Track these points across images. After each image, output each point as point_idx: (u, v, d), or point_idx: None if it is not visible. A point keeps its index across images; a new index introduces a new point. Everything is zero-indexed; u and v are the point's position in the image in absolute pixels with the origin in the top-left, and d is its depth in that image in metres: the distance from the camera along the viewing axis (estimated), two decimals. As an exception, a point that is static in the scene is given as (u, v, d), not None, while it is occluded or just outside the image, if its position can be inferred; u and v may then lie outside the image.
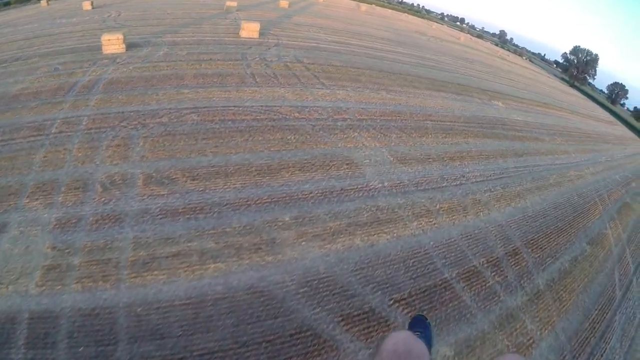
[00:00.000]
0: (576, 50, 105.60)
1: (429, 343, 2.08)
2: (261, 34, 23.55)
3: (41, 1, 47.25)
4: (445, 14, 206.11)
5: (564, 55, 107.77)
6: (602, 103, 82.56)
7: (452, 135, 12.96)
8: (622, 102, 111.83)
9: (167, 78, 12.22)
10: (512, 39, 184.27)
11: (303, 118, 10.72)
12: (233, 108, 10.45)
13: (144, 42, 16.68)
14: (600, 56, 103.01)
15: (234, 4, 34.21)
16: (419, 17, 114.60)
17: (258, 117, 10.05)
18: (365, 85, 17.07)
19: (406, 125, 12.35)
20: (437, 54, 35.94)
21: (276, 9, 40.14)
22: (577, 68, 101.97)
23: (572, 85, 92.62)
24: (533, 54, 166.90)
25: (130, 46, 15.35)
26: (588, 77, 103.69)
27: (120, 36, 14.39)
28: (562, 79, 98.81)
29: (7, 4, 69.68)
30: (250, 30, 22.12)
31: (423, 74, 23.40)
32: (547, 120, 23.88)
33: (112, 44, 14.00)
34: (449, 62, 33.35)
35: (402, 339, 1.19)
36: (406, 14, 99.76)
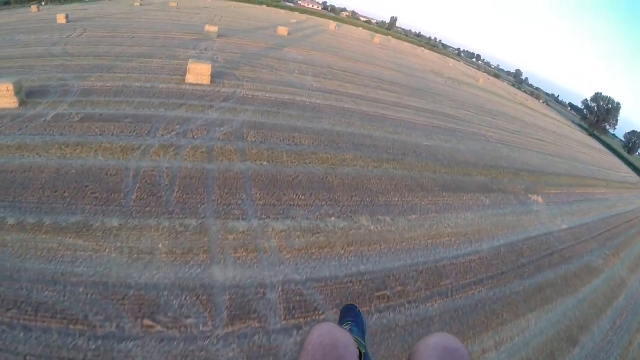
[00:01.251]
0: (597, 98, 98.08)
1: (361, 331, 1.91)
2: (219, 76, 16.86)
3: (31, 7, 42.30)
4: (461, 49, 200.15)
5: (585, 102, 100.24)
6: (617, 151, 76.40)
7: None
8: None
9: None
10: (527, 78, 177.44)
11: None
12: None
13: (50, 89, 13.57)
14: (620, 103, 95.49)
15: (214, 29, 27.67)
16: (435, 51, 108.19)
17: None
18: (342, 203, 10.30)
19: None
20: (454, 105, 29.19)
21: (268, 37, 33.64)
22: (598, 116, 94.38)
23: (592, 134, 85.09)
24: (547, 94, 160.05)
25: (30, 94, 12.59)
26: (608, 127, 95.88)
27: (10, 86, 11.25)
28: (580, 125, 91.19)
29: (6, 3, 65.75)
30: (198, 73, 15.41)
31: (438, 150, 16.46)
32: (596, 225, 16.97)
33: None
34: (469, 118, 26.44)
35: (326, 330, 1.09)
36: (422, 48, 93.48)
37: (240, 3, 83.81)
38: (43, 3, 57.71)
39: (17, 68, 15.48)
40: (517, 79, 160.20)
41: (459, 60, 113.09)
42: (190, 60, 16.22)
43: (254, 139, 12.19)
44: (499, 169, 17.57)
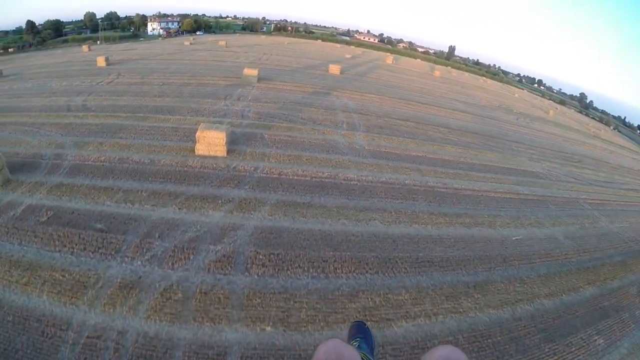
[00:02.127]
0: None
1: (370, 348, 1.89)
2: (242, 141, 13.29)
3: (83, 46, 42.23)
4: (521, 75, 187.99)
5: None
6: None
7: None
8: None
9: None
10: (592, 101, 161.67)
11: None
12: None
13: (42, 161, 11.72)
14: None
15: (254, 72, 24.22)
16: (497, 80, 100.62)
17: None
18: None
19: None
20: (536, 155, 23.89)
21: (317, 79, 29.91)
22: None
23: None
24: (614, 117, 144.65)
25: (20, 168, 10.85)
26: None
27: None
28: None
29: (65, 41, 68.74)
30: (210, 143, 11.54)
31: (531, 248, 11.60)
32: None
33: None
34: (555, 173, 21.04)
35: (332, 347, 1.09)
36: (484, 78, 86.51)
37: (296, 39, 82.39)
38: (98, 42, 59.02)
39: (27, 127, 14.71)
40: (582, 104, 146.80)
41: (522, 89, 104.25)
42: (201, 126, 12.18)
43: (260, 272, 7.65)
44: (606, 263, 11.84)
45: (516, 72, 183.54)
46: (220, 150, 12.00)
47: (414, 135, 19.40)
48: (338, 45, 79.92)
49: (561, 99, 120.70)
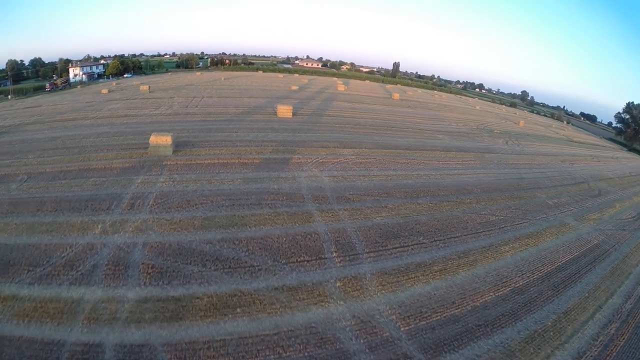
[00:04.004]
0: (630, 107, 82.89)
1: None
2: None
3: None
4: (460, 81, 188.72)
5: (617, 116, 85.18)
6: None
7: None
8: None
9: None
10: (533, 97, 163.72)
11: None
12: None
13: None
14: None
15: (166, 140, 15.08)
16: (446, 92, 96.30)
17: None
18: None
19: None
20: (552, 196, 16.53)
21: (263, 130, 21.36)
22: (635, 129, 78.54)
23: (632, 149, 68.93)
24: (553, 108, 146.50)
25: None
26: None
27: None
28: (612, 140, 75.88)
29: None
30: None
31: None
32: None
33: None
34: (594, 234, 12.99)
35: None
36: (440, 93, 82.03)
37: (234, 72, 73.31)
38: (9, 97, 47.44)
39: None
40: (525, 102, 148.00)
41: (472, 97, 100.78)
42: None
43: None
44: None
45: (455, 80, 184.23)
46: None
47: (408, 211, 10.88)
48: (281, 75, 71.55)
49: (511, 101, 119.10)
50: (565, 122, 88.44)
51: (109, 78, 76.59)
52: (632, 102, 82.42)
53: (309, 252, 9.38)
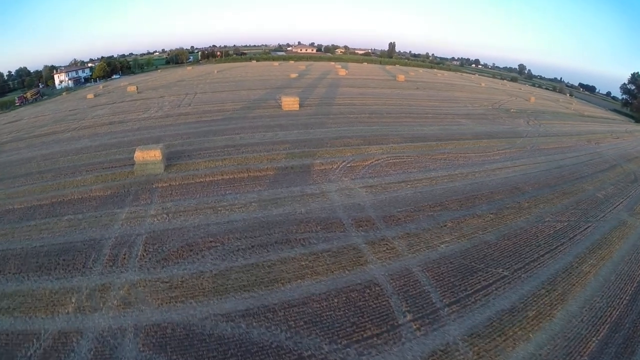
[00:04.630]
0: (635, 78, 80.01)
1: None
2: None
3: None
4: (455, 58, 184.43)
5: (623, 87, 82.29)
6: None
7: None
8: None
9: None
10: (530, 70, 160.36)
11: None
12: None
13: None
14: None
15: (156, 155, 12.17)
16: (445, 70, 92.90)
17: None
18: None
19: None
20: (603, 198, 12.44)
21: (273, 129, 18.52)
22: None
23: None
24: (551, 80, 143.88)
25: None
26: None
27: None
28: (618, 112, 73.19)
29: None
30: None
31: None
32: None
33: None
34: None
35: None
36: (441, 72, 77.90)
37: (227, 64, 69.66)
38: None
39: None
40: (523, 75, 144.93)
41: (472, 73, 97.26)
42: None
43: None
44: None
45: (450, 57, 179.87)
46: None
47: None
48: (276, 63, 67.90)
49: (512, 75, 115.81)
50: (568, 95, 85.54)
51: (96, 81, 72.94)
52: (638, 72, 79.53)
53: (375, 318, 6.56)
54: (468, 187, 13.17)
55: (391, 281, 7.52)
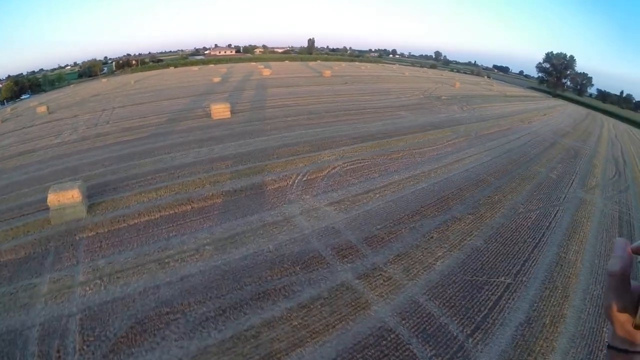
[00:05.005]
0: (549, 57, 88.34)
1: None
2: None
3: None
4: (372, 50, 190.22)
5: (539, 66, 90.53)
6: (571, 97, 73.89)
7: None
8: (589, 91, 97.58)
9: None
10: (445, 56, 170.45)
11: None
12: None
13: None
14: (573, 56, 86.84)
15: (76, 213, 8.98)
16: (365, 62, 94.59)
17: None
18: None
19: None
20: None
21: (204, 144, 16.22)
22: (557, 76, 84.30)
23: (557, 95, 74.36)
24: (466, 64, 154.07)
25: None
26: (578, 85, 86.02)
27: None
28: (535, 89, 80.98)
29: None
30: None
31: None
32: None
33: None
34: None
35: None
36: (364, 65, 78.68)
37: (144, 73, 64.44)
38: None
39: None
40: (440, 61, 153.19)
41: (393, 63, 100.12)
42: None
43: None
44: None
45: (367, 49, 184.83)
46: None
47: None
48: (195, 68, 63.89)
49: (430, 62, 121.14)
50: (486, 77, 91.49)
51: (3, 104, 63.48)
52: (552, 51, 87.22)
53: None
54: (435, 187, 12.28)
55: (403, 322, 6.14)
